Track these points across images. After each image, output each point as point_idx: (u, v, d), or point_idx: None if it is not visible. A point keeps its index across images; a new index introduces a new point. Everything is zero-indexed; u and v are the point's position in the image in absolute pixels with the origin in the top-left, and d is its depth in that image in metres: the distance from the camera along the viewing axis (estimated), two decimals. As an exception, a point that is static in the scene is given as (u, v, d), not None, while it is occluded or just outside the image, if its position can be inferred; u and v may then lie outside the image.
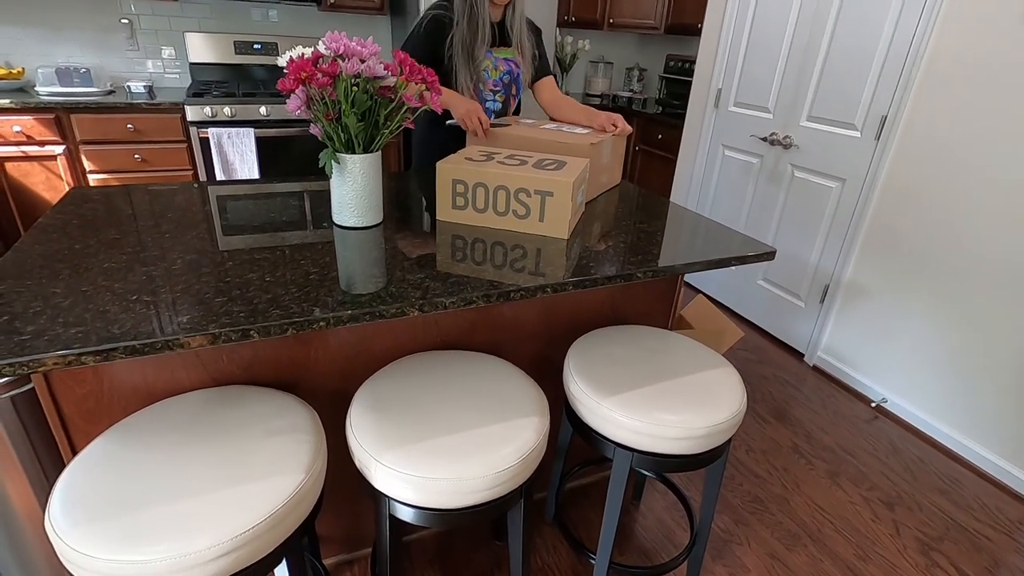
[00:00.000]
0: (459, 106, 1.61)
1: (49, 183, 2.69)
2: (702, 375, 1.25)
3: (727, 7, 2.77)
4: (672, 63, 3.65)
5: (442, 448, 0.99)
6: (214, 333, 0.82)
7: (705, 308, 2.47)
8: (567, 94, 4.02)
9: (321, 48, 1.06)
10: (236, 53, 3.20)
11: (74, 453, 1.06)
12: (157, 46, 3.13)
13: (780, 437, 2.09)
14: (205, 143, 2.81)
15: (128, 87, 2.87)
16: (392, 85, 1.15)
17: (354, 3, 3.15)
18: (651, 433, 1.12)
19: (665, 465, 1.17)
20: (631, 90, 4.26)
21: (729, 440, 1.24)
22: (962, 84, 1.92)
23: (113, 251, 1.06)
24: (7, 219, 2.68)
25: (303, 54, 1.11)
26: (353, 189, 1.22)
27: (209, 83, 3.13)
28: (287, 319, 0.87)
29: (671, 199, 3.39)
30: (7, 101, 2.49)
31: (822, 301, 2.51)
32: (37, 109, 2.54)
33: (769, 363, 2.58)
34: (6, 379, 0.98)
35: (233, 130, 2.80)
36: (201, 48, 3.15)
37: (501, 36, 1.77)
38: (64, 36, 2.95)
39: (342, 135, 1.15)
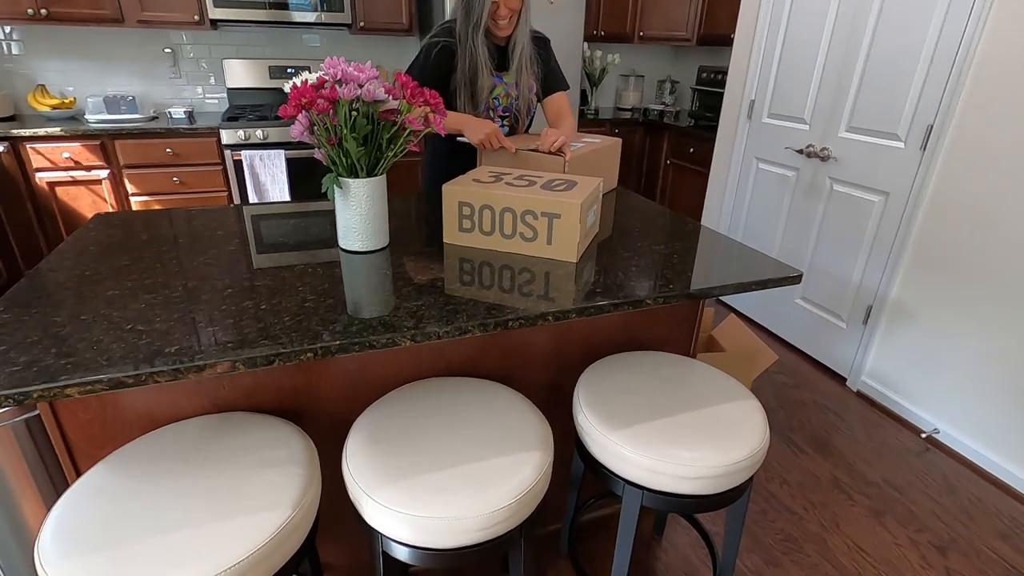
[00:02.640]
0: (476, 132, 1.59)
1: (95, 206, 2.83)
2: (722, 408, 1.17)
3: (759, 15, 2.67)
4: (704, 74, 3.55)
5: (436, 484, 0.95)
6: (198, 365, 0.81)
7: (737, 328, 2.36)
8: (596, 109, 3.99)
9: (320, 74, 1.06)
10: (271, 78, 3.31)
11: (79, 477, 1.07)
12: (198, 73, 3.27)
13: (819, 470, 1.95)
14: (239, 165, 2.90)
15: (169, 113, 3.00)
16: (395, 108, 1.14)
17: (383, 25, 3.21)
18: (662, 471, 1.05)
19: (678, 505, 1.09)
20: (663, 103, 4.18)
21: (750, 479, 1.15)
22: (1016, 88, 1.77)
23: (120, 278, 1.07)
24: (57, 241, 2.82)
25: (307, 80, 1.11)
26: (358, 213, 1.21)
27: (245, 107, 3.24)
28: (273, 351, 0.85)
29: (703, 214, 3.28)
30: (58, 129, 2.64)
31: (865, 322, 2.35)
32: (84, 136, 2.68)
33: (808, 388, 2.43)
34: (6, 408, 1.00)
35: (265, 152, 2.88)
36: (239, 74, 3.27)
37: (506, 61, 1.74)
38: (114, 67, 3.12)
39: (344, 160, 1.14)
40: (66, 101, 2.95)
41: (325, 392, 1.20)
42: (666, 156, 3.71)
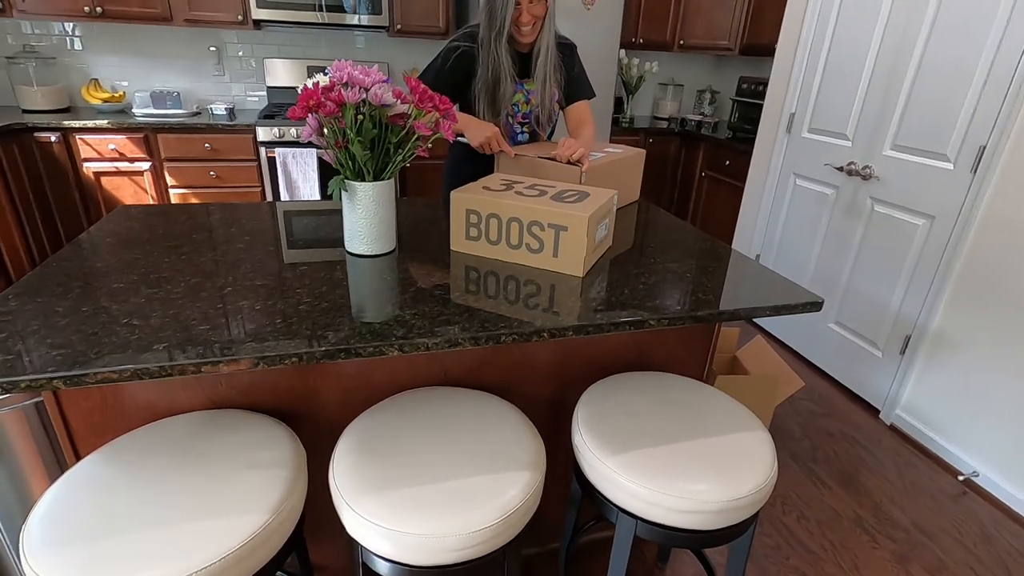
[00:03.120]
0: (475, 135, 1.58)
1: (136, 196, 2.94)
2: (728, 438, 1.11)
3: (804, 24, 2.57)
4: (744, 85, 3.44)
5: (418, 499, 0.92)
6: (181, 364, 0.81)
7: (763, 350, 2.26)
8: (631, 118, 3.92)
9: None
10: (308, 77, 3.37)
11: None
12: (241, 71, 3.37)
13: (841, 506, 1.84)
14: (272, 162, 2.97)
15: (211, 109, 3.10)
16: (404, 113, 1.13)
17: (420, 27, 3.23)
18: (657, 502, 1.00)
19: (674, 539, 1.04)
20: (701, 113, 4.07)
21: (754, 516, 1.08)
22: (1083, 111, 1.63)
23: (128, 271, 1.10)
24: (99, 227, 2.95)
25: (318, 82, 1.11)
26: (364, 217, 1.21)
27: (282, 105, 3.32)
28: (259, 353, 0.84)
29: (736, 229, 3.17)
30: (105, 122, 2.76)
31: (903, 351, 2.22)
32: (129, 129, 2.80)
33: (837, 417, 2.31)
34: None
35: (298, 150, 2.94)
36: (279, 72, 3.35)
37: (529, 68, 1.71)
38: (163, 63, 3.25)
39: (351, 163, 1.14)
40: (116, 95, 3.08)
41: (322, 395, 1.20)
42: (701, 168, 3.61)
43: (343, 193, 1.18)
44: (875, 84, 2.26)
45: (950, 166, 2.00)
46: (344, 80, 1.03)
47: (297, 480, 0.97)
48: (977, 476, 1.96)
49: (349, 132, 1.08)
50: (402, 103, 1.11)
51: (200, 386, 1.11)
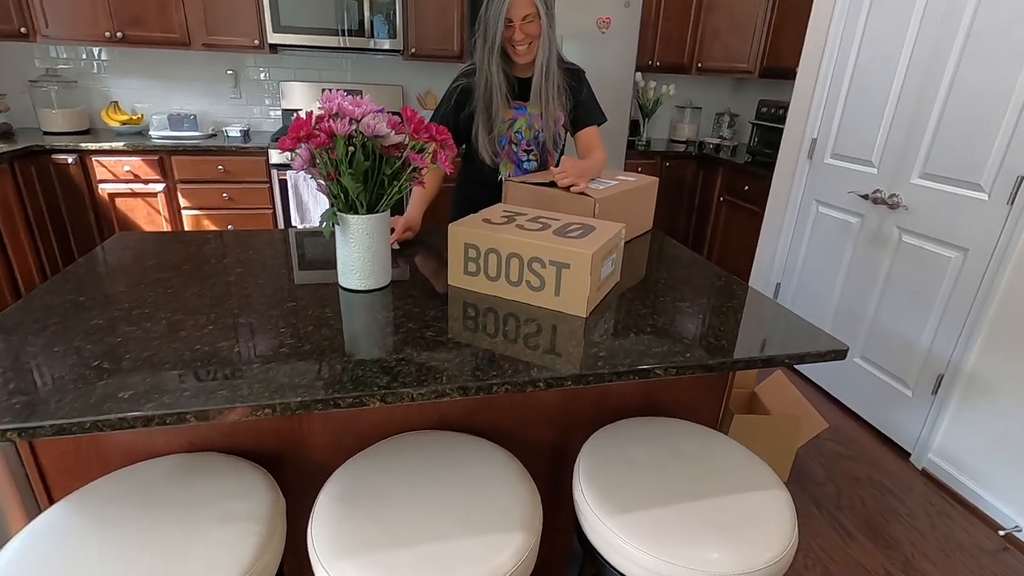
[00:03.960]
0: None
1: (150, 218, 2.96)
2: (743, 498, 1.01)
3: (826, 47, 2.49)
4: (764, 109, 3.36)
5: (400, 563, 0.84)
6: (145, 416, 0.75)
7: (784, 387, 2.15)
8: (648, 141, 3.85)
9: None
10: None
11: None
12: (257, 94, 3.40)
13: (869, 561, 1.70)
14: (284, 185, 2.97)
15: (225, 131, 3.12)
16: (399, 143, 1.08)
17: (434, 51, 3.23)
18: (660, 571, 0.90)
19: (682, 612, 0.94)
20: (720, 136, 3.99)
21: (772, 589, 0.98)
22: None
23: (109, 306, 1.05)
24: (113, 248, 2.96)
25: (311, 112, 1.07)
26: (358, 251, 1.15)
27: (297, 128, 3.33)
28: (228, 403, 0.78)
29: (756, 256, 3.07)
30: (121, 144, 2.79)
31: (935, 392, 2.08)
32: (144, 151, 2.82)
33: (865, 460, 2.17)
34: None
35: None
36: (295, 95, 3.37)
37: (528, 92, 1.65)
38: (181, 86, 3.29)
39: (343, 196, 1.09)
40: (135, 117, 3.13)
41: (308, 438, 1.14)
42: (719, 192, 3.52)
43: (336, 226, 1.13)
44: (902, 108, 2.16)
45: (984, 196, 1.89)
46: (334, 111, 0.99)
47: (272, 537, 0.90)
48: (1020, 531, 1.80)
49: (341, 164, 1.03)
50: (397, 133, 1.06)
51: (179, 428, 1.05)
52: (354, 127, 0.99)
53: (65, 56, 3.10)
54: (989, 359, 1.89)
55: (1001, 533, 1.83)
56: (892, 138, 2.21)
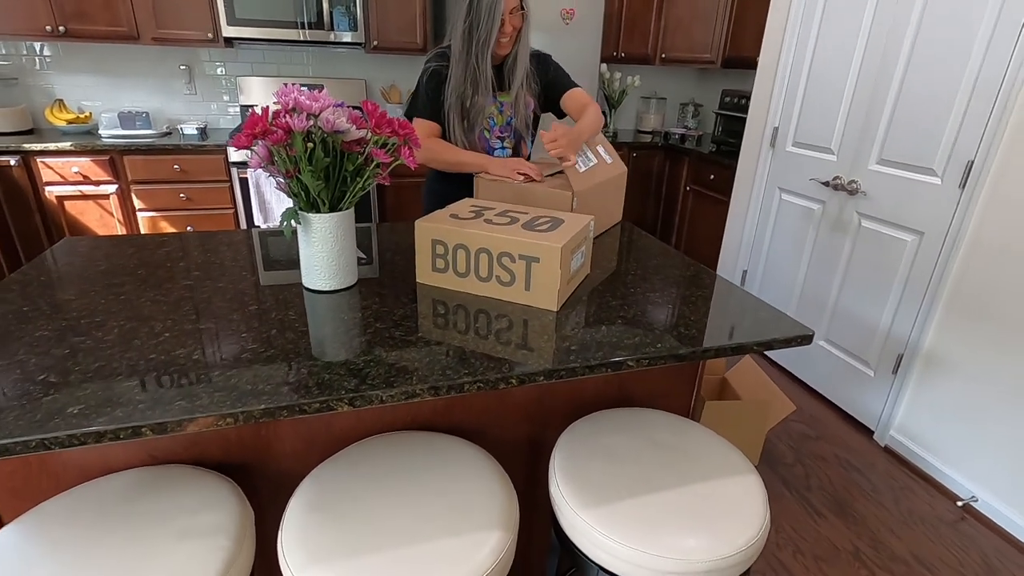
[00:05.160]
0: (500, 169, 1.52)
1: (102, 221, 2.83)
2: (716, 484, 1.02)
3: (785, 37, 2.53)
4: (728, 99, 3.41)
5: (374, 568, 0.83)
6: (96, 431, 0.71)
7: (753, 372, 2.19)
8: (615, 132, 3.87)
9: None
10: (284, 95, 3.29)
11: (2, 531, 0.99)
12: (213, 90, 3.28)
13: (838, 538, 1.76)
14: (245, 183, 2.87)
15: (180, 129, 3.00)
16: (361, 139, 1.05)
17: (397, 44, 3.17)
18: (639, 563, 0.91)
19: (660, 600, 0.95)
20: (685, 126, 4.04)
21: (747, 572, 0.99)
22: (1072, 125, 1.59)
23: (56, 316, 1.00)
24: (63, 253, 2.83)
25: (267, 107, 1.02)
26: (321, 250, 1.12)
27: (257, 124, 3.23)
28: (188, 415, 0.75)
29: (723, 244, 3.12)
30: (68, 144, 2.65)
31: (895, 371, 2.15)
32: (94, 151, 2.69)
33: (830, 440, 2.23)
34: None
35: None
36: (254, 91, 3.26)
37: (502, 81, 1.65)
38: (131, 82, 3.15)
39: (304, 193, 1.05)
40: (82, 116, 2.98)
41: (277, 445, 1.10)
42: (686, 182, 3.56)
43: (298, 226, 1.09)
44: (859, 97, 2.22)
45: (938, 181, 1.95)
46: (291, 105, 0.95)
47: (240, 550, 0.87)
48: (976, 501, 1.88)
49: (300, 161, 0.99)
50: (358, 128, 1.03)
51: (137, 442, 1.01)
52: (312, 122, 0.95)
53: (4, 52, 2.93)
54: (945, 338, 1.97)
55: (959, 504, 1.91)
56: (850, 126, 2.27)
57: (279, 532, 0.90)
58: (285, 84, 0.99)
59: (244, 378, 0.84)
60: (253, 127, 0.97)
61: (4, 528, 0.86)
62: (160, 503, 0.92)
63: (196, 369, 0.85)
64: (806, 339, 1.05)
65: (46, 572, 0.79)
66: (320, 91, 1.01)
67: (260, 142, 0.99)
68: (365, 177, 1.08)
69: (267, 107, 1.02)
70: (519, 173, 1.50)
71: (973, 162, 1.83)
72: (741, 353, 1.02)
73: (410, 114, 1.68)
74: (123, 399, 0.77)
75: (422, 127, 1.63)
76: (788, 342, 1.04)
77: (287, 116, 0.94)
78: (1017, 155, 1.71)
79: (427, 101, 1.62)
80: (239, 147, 1.00)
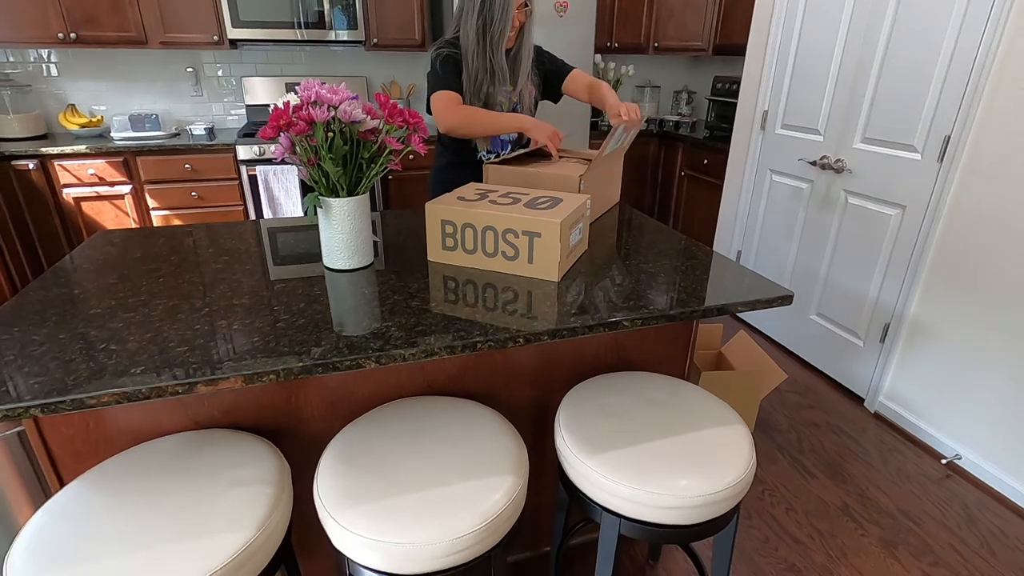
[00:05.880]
0: (541, 132, 1.62)
1: (118, 220, 2.94)
2: (707, 433, 1.13)
3: (772, 24, 2.62)
4: (719, 85, 3.49)
5: (402, 508, 0.93)
6: (159, 386, 0.82)
7: (747, 345, 2.29)
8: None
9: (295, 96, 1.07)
10: (286, 93, 3.38)
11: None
12: (219, 91, 3.38)
13: (828, 495, 1.86)
14: (254, 180, 2.97)
15: (189, 130, 3.10)
16: (375, 128, 1.15)
17: (396, 41, 3.26)
18: (639, 500, 1.01)
19: (658, 535, 1.06)
20: (679, 114, 4.13)
21: (736, 508, 1.10)
22: (1040, 98, 1.68)
23: (105, 297, 1.10)
24: (81, 253, 2.94)
25: (288, 101, 1.12)
26: (340, 232, 1.22)
27: (262, 123, 3.33)
28: (236, 371, 0.85)
29: (717, 227, 3.21)
30: (84, 147, 2.75)
31: (883, 340, 2.26)
32: (108, 153, 2.79)
33: (822, 408, 2.34)
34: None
35: (278, 167, 2.95)
36: (257, 90, 3.36)
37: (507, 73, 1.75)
38: (140, 86, 3.25)
39: (325, 180, 1.15)
40: (94, 120, 3.08)
41: (305, 410, 1.21)
42: (681, 168, 3.65)
43: (319, 210, 1.19)
44: (843, 79, 2.31)
45: (918, 156, 2.05)
46: (313, 99, 1.05)
47: (281, 495, 0.98)
48: (960, 459, 1.99)
49: (321, 150, 1.09)
50: (372, 119, 1.13)
51: (182, 407, 1.12)
52: (332, 114, 1.05)
53: (13, 60, 3.03)
54: (928, 306, 2.07)
55: (944, 462, 2.02)
56: (835, 107, 2.36)
57: (314, 480, 1.01)
58: (293, 84, 1.08)
59: (281, 342, 0.94)
60: (277, 120, 1.07)
61: (68, 486, 0.97)
62: (208, 460, 1.02)
63: (238, 336, 0.96)
64: (787, 299, 1.15)
65: (113, 517, 0.90)
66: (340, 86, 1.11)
67: (284, 133, 1.09)
68: (380, 163, 1.18)
69: (287, 102, 1.12)
70: (557, 144, 1.62)
71: (950, 136, 1.92)
72: (725, 313, 1.12)
73: (433, 90, 1.69)
74: (178, 361, 0.88)
75: (450, 97, 1.65)
76: (770, 302, 1.14)
77: (309, 108, 1.04)
78: (990, 127, 1.81)
79: (450, 77, 1.66)
80: (265, 138, 1.10)
